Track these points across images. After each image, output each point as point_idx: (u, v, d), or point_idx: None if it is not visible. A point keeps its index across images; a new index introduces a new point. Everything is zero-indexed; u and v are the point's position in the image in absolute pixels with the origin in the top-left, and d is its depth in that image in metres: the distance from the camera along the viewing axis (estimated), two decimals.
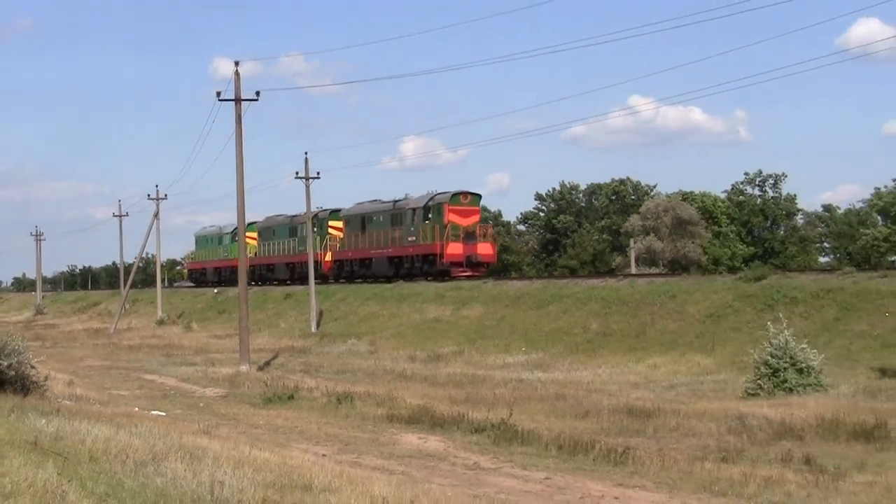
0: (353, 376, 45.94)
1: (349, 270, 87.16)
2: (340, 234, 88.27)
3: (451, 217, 72.66)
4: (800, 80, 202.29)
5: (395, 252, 78.53)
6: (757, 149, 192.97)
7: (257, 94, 52.78)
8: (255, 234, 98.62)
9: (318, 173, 79.87)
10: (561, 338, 52.41)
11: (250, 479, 13.31)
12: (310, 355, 58.81)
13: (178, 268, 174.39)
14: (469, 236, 72.67)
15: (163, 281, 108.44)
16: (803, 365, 34.51)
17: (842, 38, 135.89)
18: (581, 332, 52.35)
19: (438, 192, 76.86)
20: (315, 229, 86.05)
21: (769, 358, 34.82)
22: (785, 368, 34.38)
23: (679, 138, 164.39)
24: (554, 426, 28.65)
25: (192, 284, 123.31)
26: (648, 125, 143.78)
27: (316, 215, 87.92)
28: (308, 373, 47.87)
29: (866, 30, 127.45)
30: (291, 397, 37.07)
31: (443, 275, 72.34)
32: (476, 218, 75.32)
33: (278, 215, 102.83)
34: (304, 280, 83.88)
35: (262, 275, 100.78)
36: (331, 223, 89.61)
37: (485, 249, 73.74)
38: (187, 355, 61.26)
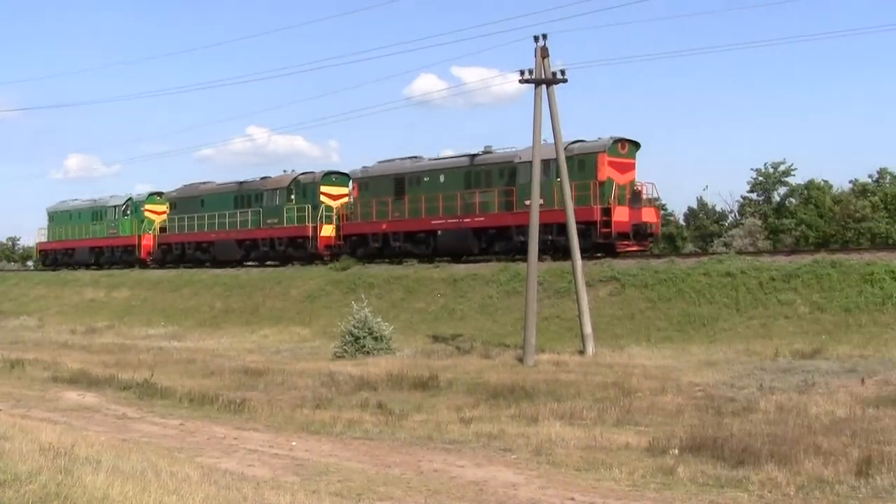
0: (24, 346, 44.05)
1: (377, 247, 51.05)
2: (344, 201, 55.18)
3: (609, 172, 42.45)
4: (378, 118, 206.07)
5: (491, 221, 46.20)
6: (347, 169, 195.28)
7: None
8: (162, 207, 66.71)
9: None
10: (192, 314, 51.68)
11: None
12: None
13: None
14: (635, 198, 43.09)
15: None
16: (378, 334, 35.01)
17: (407, 88, 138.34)
18: (208, 310, 51.76)
19: (577, 140, 43.92)
20: (291, 197, 56.65)
21: (352, 329, 35.19)
22: (364, 336, 34.80)
23: (287, 160, 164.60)
24: (187, 384, 28.18)
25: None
26: (263, 149, 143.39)
27: (296, 179, 57.31)
28: None
29: (426, 83, 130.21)
30: None
31: (604, 250, 42.44)
32: (634, 174, 43.79)
33: (205, 182, 65.48)
34: (285, 262, 56.75)
35: (188, 254, 63.33)
36: (325, 188, 55.44)
37: (650, 216, 43.91)
38: None
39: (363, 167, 53.76)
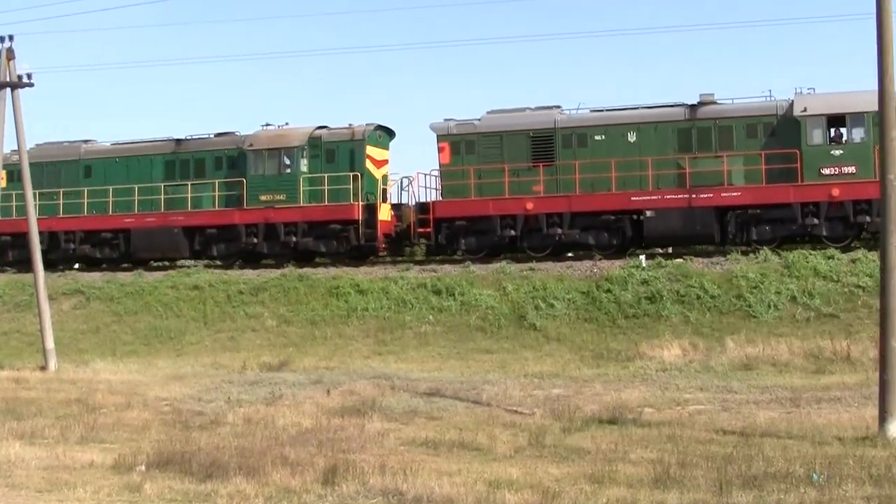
0: None
1: (512, 236, 35.78)
2: (386, 170, 39.63)
3: None
4: None
5: (751, 198, 33.28)
6: None
7: None
8: None
9: None
10: None
11: None
12: None
13: None
14: None
15: None
16: None
17: None
18: None
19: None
20: (304, 162, 38.47)
21: None
22: None
23: None
24: None
25: None
26: None
27: (314, 135, 38.70)
28: None
29: None
30: None
31: None
32: None
33: (86, 141, 43.58)
34: (301, 260, 38.15)
35: (66, 250, 41.34)
36: (370, 151, 38.57)
37: None
38: None
39: (452, 120, 37.31)
